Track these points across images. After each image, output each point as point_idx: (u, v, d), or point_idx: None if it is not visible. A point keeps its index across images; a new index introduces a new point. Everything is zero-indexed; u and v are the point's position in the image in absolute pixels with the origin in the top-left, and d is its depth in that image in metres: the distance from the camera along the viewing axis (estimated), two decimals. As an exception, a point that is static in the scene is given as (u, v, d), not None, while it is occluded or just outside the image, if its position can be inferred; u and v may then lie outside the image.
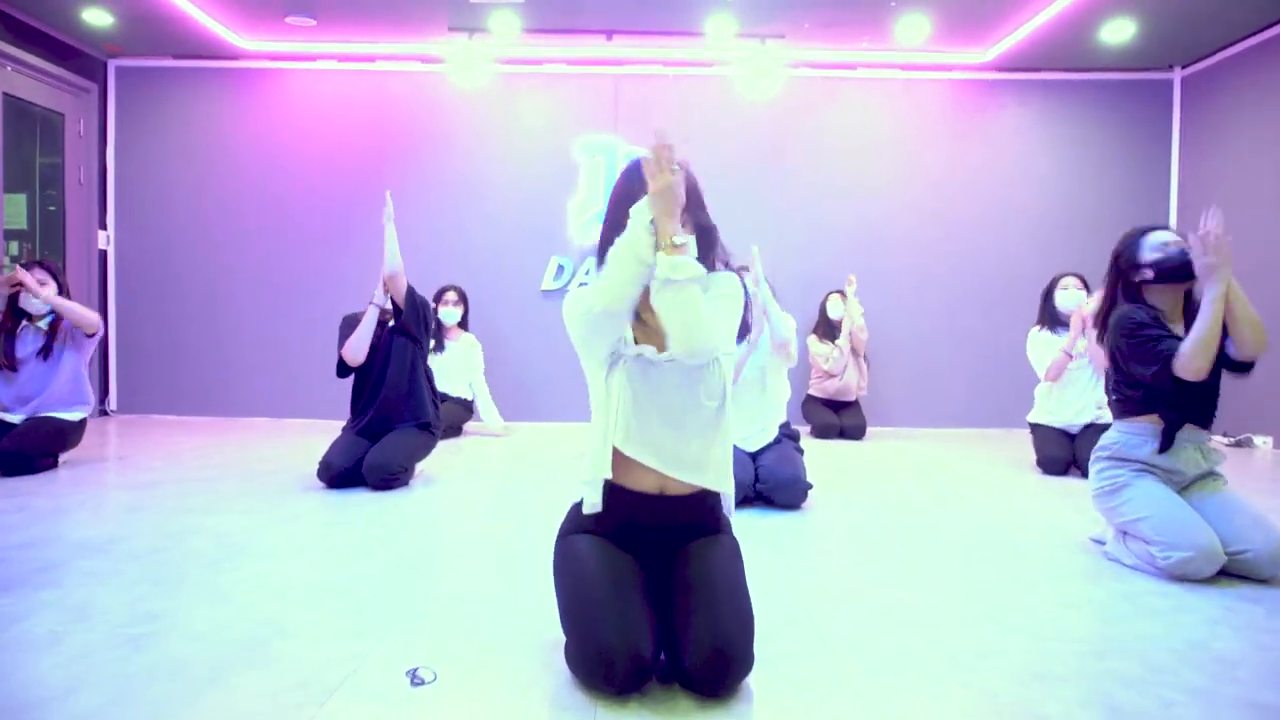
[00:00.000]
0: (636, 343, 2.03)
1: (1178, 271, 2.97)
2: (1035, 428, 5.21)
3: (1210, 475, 3.02)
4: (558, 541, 2.13)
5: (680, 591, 1.94)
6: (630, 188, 2.04)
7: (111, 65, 7.06)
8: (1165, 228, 3.13)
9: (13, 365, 4.59)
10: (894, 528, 3.55)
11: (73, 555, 2.95)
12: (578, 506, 2.12)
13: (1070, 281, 5.14)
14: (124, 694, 1.85)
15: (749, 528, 3.48)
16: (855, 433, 6.40)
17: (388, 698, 1.85)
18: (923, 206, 7.11)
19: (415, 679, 1.91)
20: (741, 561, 2.07)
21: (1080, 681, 1.99)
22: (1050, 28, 6.19)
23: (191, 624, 2.31)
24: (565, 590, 1.99)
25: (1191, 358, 2.74)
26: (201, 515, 3.61)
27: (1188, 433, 2.96)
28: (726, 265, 2.16)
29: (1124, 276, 3.10)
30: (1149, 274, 3.01)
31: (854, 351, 6.55)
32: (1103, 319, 3.13)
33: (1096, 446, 3.16)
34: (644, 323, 2.04)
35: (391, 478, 4.18)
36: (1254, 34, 6.17)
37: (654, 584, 2.01)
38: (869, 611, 2.50)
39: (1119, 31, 6.20)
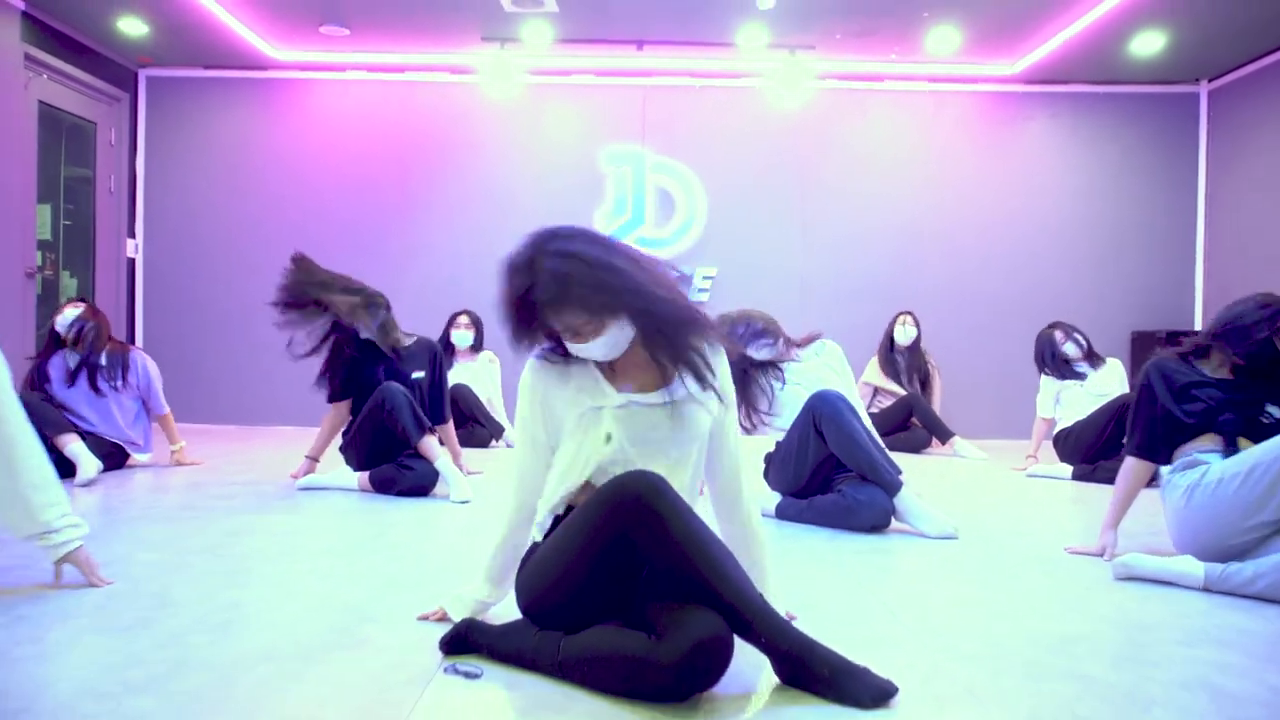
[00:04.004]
0: (618, 389, 2.02)
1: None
2: (1056, 440, 5.28)
3: None
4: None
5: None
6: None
7: (142, 75, 7.11)
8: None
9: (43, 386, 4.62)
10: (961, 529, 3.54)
11: (134, 549, 2.95)
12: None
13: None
14: (228, 673, 1.85)
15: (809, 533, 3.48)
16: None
17: (488, 674, 1.85)
18: (950, 218, 7.14)
19: (465, 673, 1.88)
20: None
21: (1174, 667, 1.98)
22: (1079, 40, 6.23)
23: (272, 612, 2.30)
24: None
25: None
26: (252, 515, 3.61)
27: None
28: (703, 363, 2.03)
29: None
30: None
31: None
32: None
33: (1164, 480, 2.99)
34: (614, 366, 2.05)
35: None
36: (1281, 47, 6.21)
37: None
38: (946, 603, 2.49)
39: (1148, 44, 6.23)
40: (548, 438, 2.07)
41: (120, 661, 1.90)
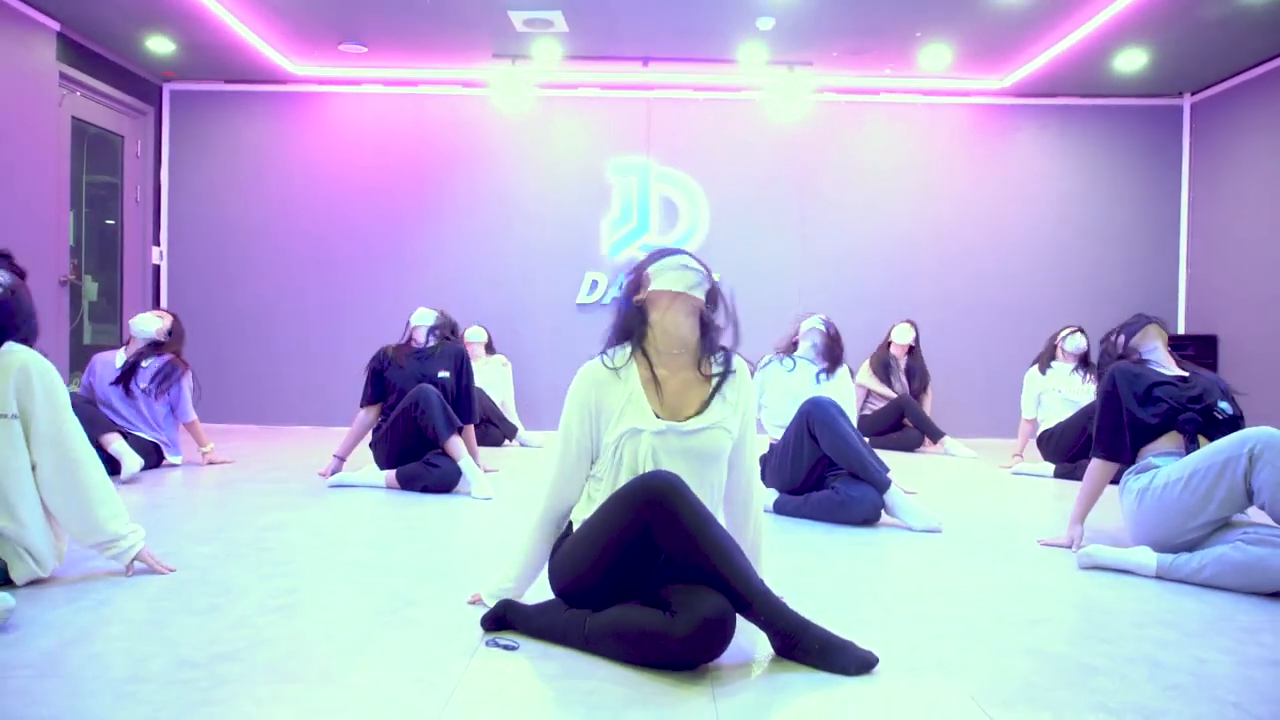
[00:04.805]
0: (658, 416, 2.29)
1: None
2: (1040, 441, 5.58)
3: None
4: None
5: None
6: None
7: (166, 89, 7.39)
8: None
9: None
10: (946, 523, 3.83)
11: (186, 543, 3.22)
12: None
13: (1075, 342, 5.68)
14: (300, 647, 2.14)
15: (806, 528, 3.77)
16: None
17: (524, 647, 2.14)
18: (944, 226, 7.42)
19: (504, 646, 2.16)
20: None
21: (1122, 644, 2.27)
22: (1065, 57, 6.50)
23: (325, 596, 2.59)
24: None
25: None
26: (289, 511, 3.89)
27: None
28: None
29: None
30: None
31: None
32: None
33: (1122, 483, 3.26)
34: (660, 384, 2.34)
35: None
36: (1262, 62, 6.47)
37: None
38: (928, 590, 2.78)
39: (1131, 61, 6.51)
40: (591, 444, 2.33)
41: (204, 639, 2.18)
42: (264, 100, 7.45)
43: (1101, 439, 3.24)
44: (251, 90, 7.43)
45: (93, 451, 2.67)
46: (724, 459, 2.34)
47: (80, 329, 6.73)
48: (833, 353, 4.32)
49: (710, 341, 2.39)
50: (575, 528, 2.30)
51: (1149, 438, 3.14)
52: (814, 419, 3.79)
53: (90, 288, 6.94)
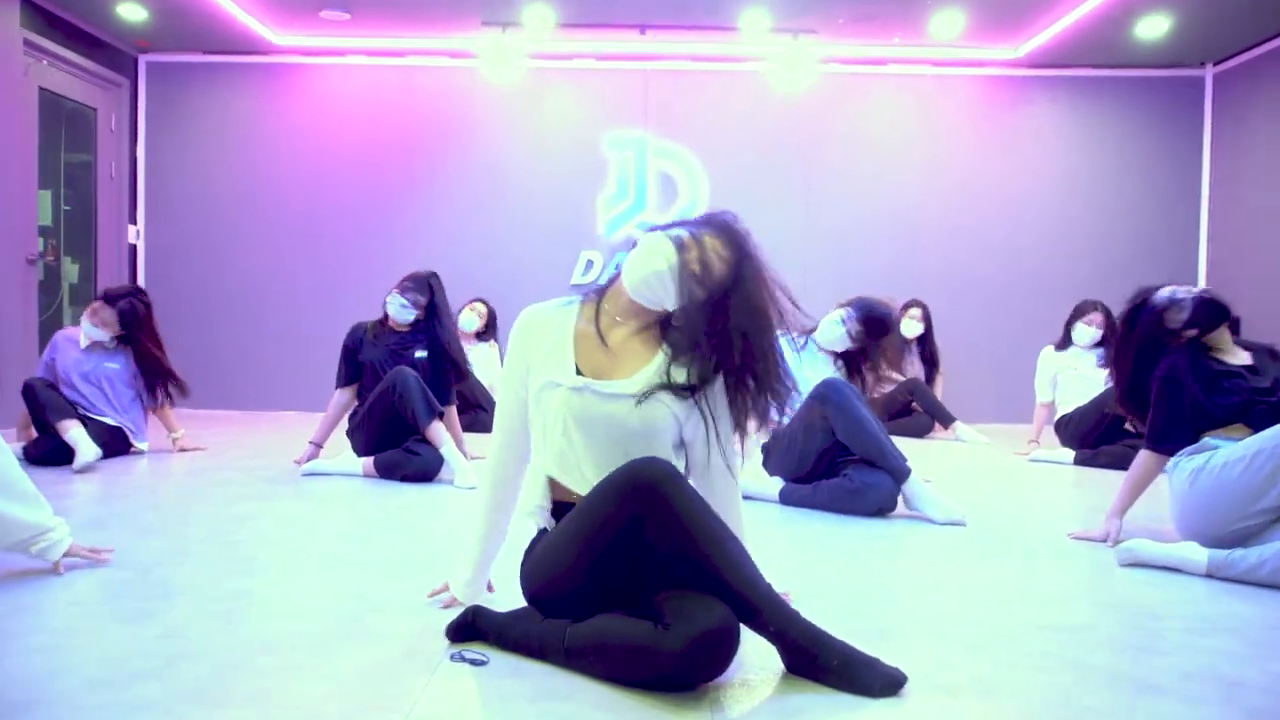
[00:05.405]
0: (579, 373, 1.97)
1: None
2: (1058, 426, 5.28)
3: None
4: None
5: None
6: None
7: (142, 60, 7.08)
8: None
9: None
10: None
11: (137, 537, 2.94)
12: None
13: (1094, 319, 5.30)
14: (229, 664, 1.85)
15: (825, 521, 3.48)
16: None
17: (495, 662, 1.85)
18: (952, 202, 7.12)
19: (471, 660, 1.87)
20: None
21: (1180, 655, 1.98)
22: (1084, 24, 6.18)
23: (278, 600, 2.31)
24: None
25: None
26: (258, 501, 3.61)
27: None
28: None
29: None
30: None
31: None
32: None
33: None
34: (601, 337, 2.00)
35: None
36: (1287, 30, 6.17)
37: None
38: (952, 589, 2.49)
39: (1153, 28, 6.19)
40: (526, 393, 2.04)
41: (125, 652, 1.89)
42: (243, 72, 7.13)
43: (1156, 430, 2.93)
44: (231, 61, 7.11)
45: (7, 451, 2.37)
46: (661, 441, 1.94)
47: (59, 312, 6.46)
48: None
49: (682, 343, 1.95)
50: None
51: (1208, 428, 2.85)
52: (828, 402, 3.48)
53: (70, 270, 6.67)
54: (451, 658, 1.88)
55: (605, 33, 6.68)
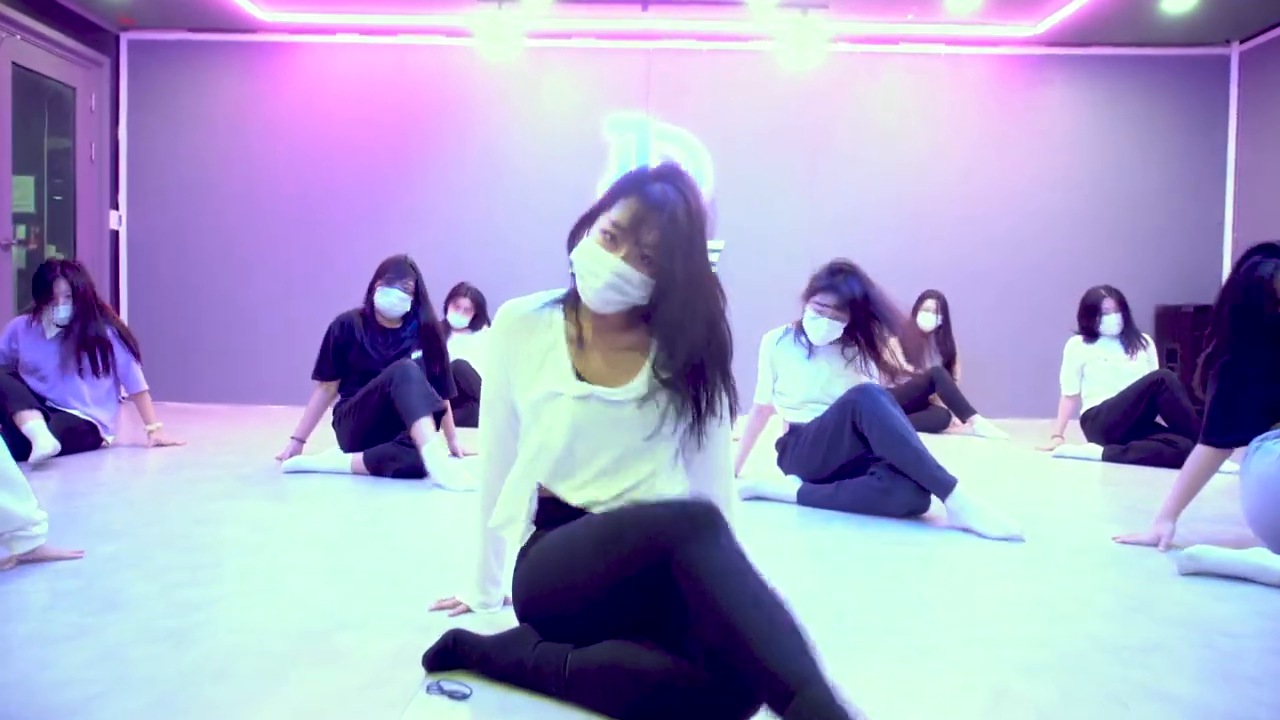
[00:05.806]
0: (581, 378, 1.76)
1: None
2: (1084, 420, 5.00)
3: None
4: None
5: None
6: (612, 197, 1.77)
7: (124, 39, 6.79)
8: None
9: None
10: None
11: (92, 541, 2.65)
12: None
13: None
14: (169, 695, 1.58)
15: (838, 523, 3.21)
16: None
17: (478, 694, 1.58)
18: (966, 187, 6.83)
19: (450, 693, 1.60)
20: None
21: (1274, 683, 1.71)
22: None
23: (238, 615, 2.03)
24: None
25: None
26: (231, 501, 3.34)
27: None
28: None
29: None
30: None
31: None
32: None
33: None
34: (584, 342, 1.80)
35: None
36: (1318, 6, 5.89)
37: None
38: (996, 602, 2.23)
39: (1179, 3, 5.90)
40: (510, 410, 1.86)
41: (48, 681, 1.62)
42: (230, 50, 6.84)
43: (1218, 422, 2.64)
44: (217, 39, 6.82)
45: None
46: (664, 443, 1.78)
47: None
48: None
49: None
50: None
51: (1276, 421, 2.56)
52: (862, 411, 3.16)
53: (55, 258, 6.39)
54: (428, 689, 1.61)
55: (606, 9, 6.39)
